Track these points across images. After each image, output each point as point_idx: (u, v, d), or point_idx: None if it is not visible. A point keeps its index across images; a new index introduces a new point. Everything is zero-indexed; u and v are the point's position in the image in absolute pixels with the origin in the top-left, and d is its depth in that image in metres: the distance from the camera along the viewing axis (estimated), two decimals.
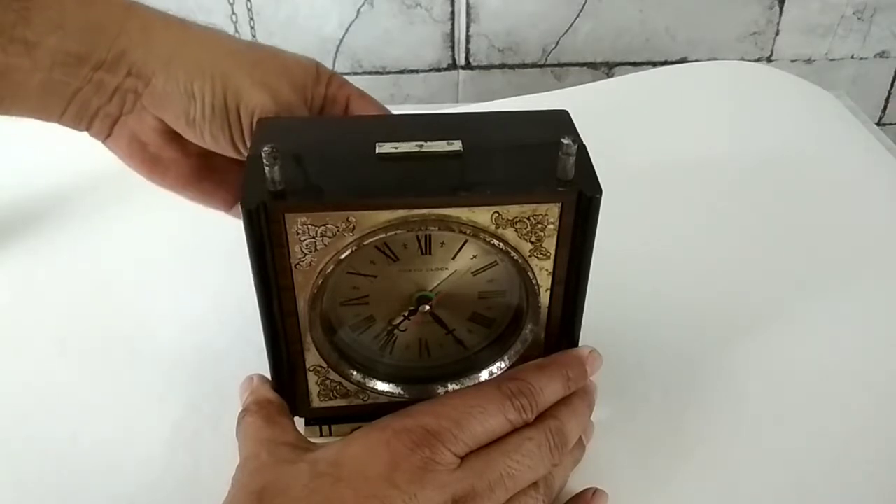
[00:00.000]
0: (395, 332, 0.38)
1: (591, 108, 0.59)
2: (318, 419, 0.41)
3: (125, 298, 0.52)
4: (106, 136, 0.42)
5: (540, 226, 0.35)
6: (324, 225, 0.33)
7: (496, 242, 0.34)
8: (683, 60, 0.98)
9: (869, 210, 0.60)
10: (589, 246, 0.36)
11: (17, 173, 0.64)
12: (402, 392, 0.40)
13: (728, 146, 0.67)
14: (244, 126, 0.40)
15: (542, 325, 0.38)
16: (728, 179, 0.63)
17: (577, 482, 0.40)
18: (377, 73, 0.96)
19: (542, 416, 0.37)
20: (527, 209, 0.34)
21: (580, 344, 0.40)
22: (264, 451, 0.35)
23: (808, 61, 1.00)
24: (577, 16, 0.93)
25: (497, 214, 0.34)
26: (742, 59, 0.98)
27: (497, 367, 0.39)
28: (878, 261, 0.55)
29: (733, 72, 0.81)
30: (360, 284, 0.36)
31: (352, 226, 0.33)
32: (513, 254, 0.35)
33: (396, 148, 0.35)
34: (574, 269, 0.36)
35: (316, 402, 0.40)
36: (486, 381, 0.39)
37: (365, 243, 0.34)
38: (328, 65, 0.50)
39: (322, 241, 0.34)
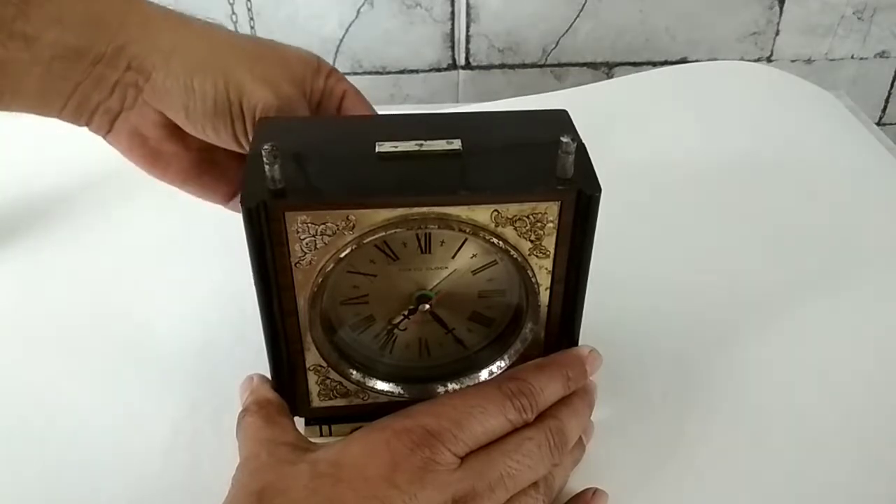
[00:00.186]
0: (395, 331, 0.38)
1: (591, 108, 0.59)
2: (318, 419, 0.40)
3: (125, 298, 0.52)
4: (107, 132, 0.42)
5: (539, 224, 0.35)
6: (324, 223, 0.33)
7: (496, 241, 0.34)
8: (683, 60, 0.98)
9: (869, 210, 0.60)
10: (588, 244, 0.36)
11: (19, 173, 0.64)
12: (402, 391, 0.39)
13: (728, 146, 0.67)
14: (246, 120, 0.40)
15: (542, 324, 0.38)
16: (728, 179, 0.63)
17: (577, 482, 0.40)
18: (377, 73, 0.96)
19: (542, 416, 0.37)
20: (526, 208, 0.34)
21: (580, 343, 0.40)
22: (264, 452, 0.35)
23: (808, 61, 1.00)
24: (577, 16, 0.93)
25: (496, 213, 0.34)
26: (742, 59, 0.98)
27: (497, 367, 0.39)
28: (878, 261, 0.55)
29: (733, 72, 0.81)
30: (360, 283, 0.36)
31: (352, 224, 0.33)
32: (512, 252, 0.35)
33: (396, 147, 0.35)
34: (574, 267, 0.36)
35: (316, 402, 0.40)
36: (486, 381, 0.39)
37: (365, 242, 0.34)
38: None
39: (322, 239, 0.34)
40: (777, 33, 0.97)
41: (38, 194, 0.61)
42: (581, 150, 0.34)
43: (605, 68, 0.98)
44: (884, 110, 1.07)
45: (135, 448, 0.42)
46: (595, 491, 0.39)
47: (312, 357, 0.38)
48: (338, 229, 0.34)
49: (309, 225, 0.33)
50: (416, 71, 0.96)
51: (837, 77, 1.02)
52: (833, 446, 0.42)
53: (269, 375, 0.39)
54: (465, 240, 0.35)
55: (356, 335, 0.39)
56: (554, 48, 0.96)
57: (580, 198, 0.34)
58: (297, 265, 0.34)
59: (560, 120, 0.38)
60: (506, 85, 0.98)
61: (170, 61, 0.40)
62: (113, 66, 0.39)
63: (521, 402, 0.36)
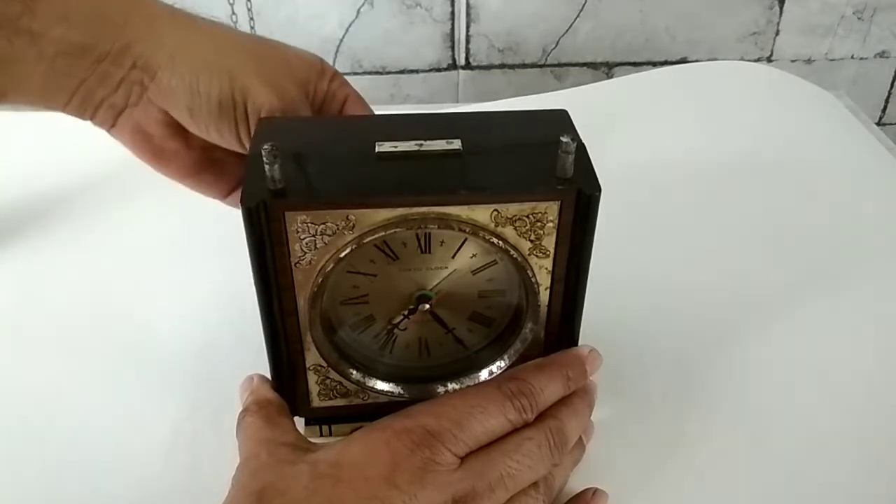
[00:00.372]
0: (395, 331, 0.38)
1: (591, 108, 0.59)
2: (318, 419, 0.40)
3: (125, 298, 0.52)
4: (110, 126, 0.42)
5: (539, 224, 0.35)
6: (323, 223, 0.33)
7: (496, 241, 0.34)
8: (683, 60, 0.98)
9: (869, 210, 0.60)
10: (588, 244, 0.36)
11: (19, 173, 0.64)
12: (401, 391, 0.39)
13: (728, 146, 0.67)
14: (250, 122, 0.41)
15: (542, 324, 0.38)
16: (728, 179, 0.63)
17: (577, 482, 0.40)
18: (377, 73, 0.96)
19: (542, 416, 0.37)
20: (526, 207, 0.34)
21: (580, 343, 0.40)
22: (264, 452, 0.35)
23: (808, 61, 1.00)
24: (577, 16, 0.93)
25: (496, 213, 0.34)
26: (742, 59, 0.98)
27: (497, 367, 0.39)
28: (878, 261, 0.55)
29: (733, 72, 0.81)
30: (360, 283, 0.36)
31: (351, 224, 0.33)
32: (512, 252, 0.35)
33: (396, 147, 0.35)
34: (573, 267, 0.36)
35: (316, 402, 0.40)
36: (486, 381, 0.39)
37: (364, 242, 0.34)
38: None
39: (322, 239, 0.34)
40: (777, 33, 0.97)
41: (38, 194, 0.61)
42: (581, 149, 0.34)
43: (605, 68, 0.98)
44: (884, 110, 1.07)
45: (135, 448, 0.42)
46: (595, 491, 0.39)
47: (312, 357, 0.38)
48: (338, 229, 0.34)
49: (309, 225, 0.33)
50: (416, 71, 0.96)
51: (837, 77, 1.02)
52: (833, 446, 0.42)
53: (269, 375, 0.39)
54: (465, 240, 0.35)
55: (356, 335, 0.39)
56: (554, 48, 0.96)
57: (580, 197, 0.34)
58: (297, 265, 0.34)
59: (560, 120, 0.38)
60: (506, 85, 0.98)
61: (175, 61, 0.40)
62: (118, 63, 0.40)
63: (522, 402, 0.36)
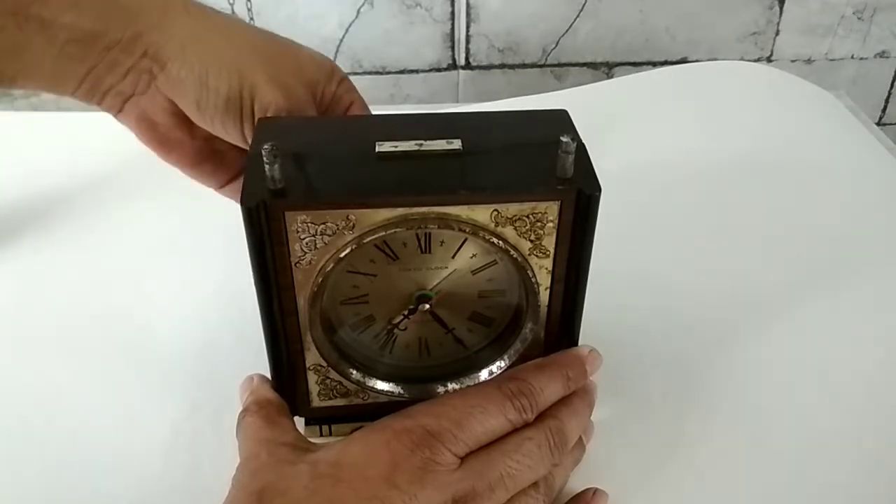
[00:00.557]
0: (395, 331, 0.38)
1: (591, 108, 0.59)
2: (318, 419, 0.40)
3: (126, 299, 0.52)
4: (117, 111, 0.43)
5: (539, 224, 0.35)
6: (324, 223, 0.33)
7: (496, 241, 0.34)
8: (683, 60, 0.98)
9: (869, 210, 0.60)
10: (588, 244, 0.36)
11: (19, 173, 0.64)
12: (401, 391, 0.39)
13: (728, 146, 0.67)
14: (255, 120, 0.41)
15: (542, 324, 0.38)
16: (728, 179, 0.63)
17: (577, 482, 0.40)
18: (377, 73, 0.96)
19: (542, 416, 0.37)
20: (526, 207, 0.34)
21: (580, 343, 0.40)
22: (264, 452, 0.35)
23: (808, 61, 1.00)
24: (577, 16, 0.93)
25: (496, 213, 0.34)
26: (742, 59, 0.98)
27: (497, 367, 0.39)
28: (878, 261, 0.55)
29: (733, 72, 0.81)
30: (360, 283, 0.36)
31: (351, 224, 0.33)
32: (512, 252, 0.35)
33: (396, 147, 0.35)
34: (573, 267, 0.36)
35: (316, 402, 0.40)
36: (486, 381, 0.39)
37: (364, 241, 0.34)
38: None
39: (322, 239, 0.34)
40: (777, 33, 0.97)
41: (38, 194, 0.61)
42: (581, 149, 0.34)
43: (605, 68, 0.98)
44: (884, 110, 1.07)
45: (135, 449, 0.42)
46: (595, 491, 0.39)
47: (312, 357, 0.38)
48: (338, 229, 0.34)
49: (309, 225, 0.33)
50: (416, 71, 0.96)
51: (837, 77, 1.02)
52: (833, 446, 0.42)
53: (269, 375, 0.39)
54: (465, 240, 0.35)
55: (356, 335, 0.39)
56: (554, 48, 0.96)
57: (580, 197, 0.34)
58: (297, 265, 0.34)
59: (560, 120, 0.38)
60: (506, 85, 0.98)
61: (186, 53, 0.40)
62: (129, 51, 0.40)
63: (522, 402, 0.36)
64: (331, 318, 0.38)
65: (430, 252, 0.36)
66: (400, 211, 0.33)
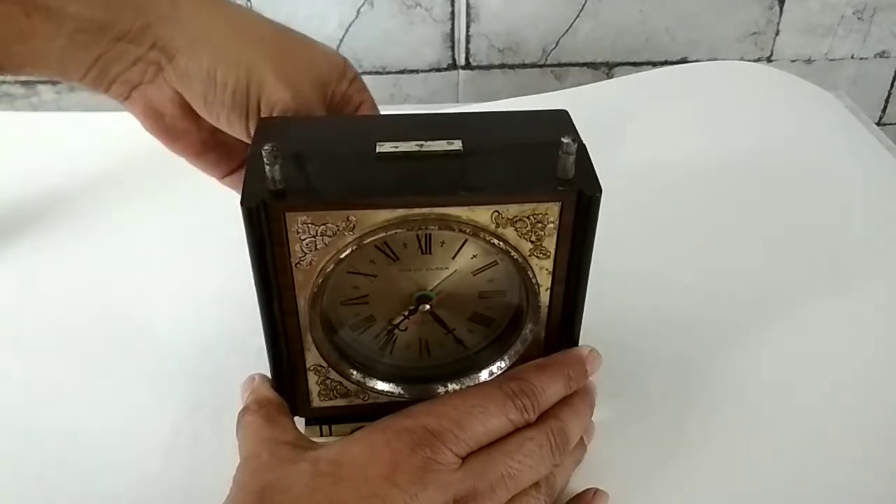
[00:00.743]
0: (396, 331, 0.38)
1: (591, 108, 0.59)
2: (319, 419, 0.40)
3: (126, 299, 0.52)
4: (124, 98, 0.43)
5: (540, 225, 0.35)
6: (324, 224, 0.33)
7: (496, 242, 0.34)
8: (683, 60, 0.98)
9: (869, 210, 0.60)
10: (589, 245, 0.36)
11: (19, 173, 0.64)
12: (402, 392, 0.39)
13: (728, 146, 0.67)
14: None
15: (543, 325, 0.38)
16: (728, 179, 0.63)
17: (578, 482, 0.40)
18: (377, 73, 0.96)
19: (543, 416, 0.37)
20: (527, 208, 0.34)
21: (580, 343, 0.40)
22: (265, 451, 0.35)
23: (808, 61, 1.00)
24: (577, 16, 0.93)
25: (497, 214, 0.34)
26: (742, 59, 0.97)
27: (497, 367, 0.39)
28: (878, 261, 0.55)
29: (733, 72, 0.81)
30: (361, 284, 0.36)
31: (352, 225, 0.33)
32: (513, 253, 0.35)
33: (397, 147, 0.35)
34: (574, 268, 0.36)
35: (316, 402, 0.40)
36: (487, 381, 0.39)
37: (365, 242, 0.34)
38: None
39: (322, 240, 0.34)
40: (777, 33, 0.97)
41: (38, 194, 0.61)
42: (581, 150, 0.34)
43: (605, 68, 0.98)
44: (884, 110, 1.07)
45: (135, 449, 0.42)
46: (596, 491, 0.39)
47: (312, 357, 0.38)
48: (338, 230, 0.33)
49: (309, 225, 0.33)
50: (416, 71, 0.96)
51: (837, 77, 1.02)
52: (833, 446, 0.42)
53: (269, 375, 0.39)
54: (466, 240, 0.35)
55: (356, 335, 0.39)
56: (554, 48, 0.96)
57: (581, 198, 0.34)
58: (298, 265, 0.34)
59: (560, 120, 0.38)
60: (506, 85, 0.98)
61: (196, 46, 0.40)
62: (137, 42, 0.40)
63: (523, 402, 0.36)
64: (331, 319, 0.38)
65: (430, 253, 0.36)
66: (400, 212, 0.33)
